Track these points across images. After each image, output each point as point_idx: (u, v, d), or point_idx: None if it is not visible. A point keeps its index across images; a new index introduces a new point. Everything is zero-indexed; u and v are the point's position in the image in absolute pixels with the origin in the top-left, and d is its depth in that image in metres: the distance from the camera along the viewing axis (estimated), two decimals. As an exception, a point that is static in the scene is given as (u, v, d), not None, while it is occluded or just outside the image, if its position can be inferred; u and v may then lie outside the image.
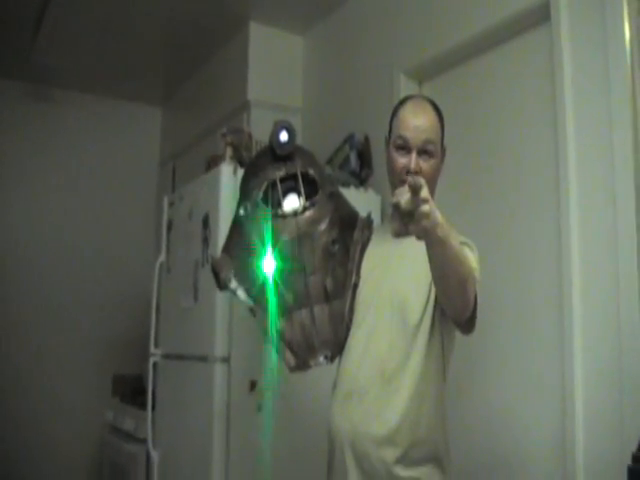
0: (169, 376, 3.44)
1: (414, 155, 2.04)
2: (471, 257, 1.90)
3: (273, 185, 2.15)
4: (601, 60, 2.41)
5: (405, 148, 2.06)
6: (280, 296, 2.07)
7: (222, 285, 2.16)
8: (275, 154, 2.18)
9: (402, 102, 2.18)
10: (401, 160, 2.07)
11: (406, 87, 3.32)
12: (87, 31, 4.29)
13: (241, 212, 2.18)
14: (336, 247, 2.13)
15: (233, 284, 2.12)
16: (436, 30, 3.21)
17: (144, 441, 3.54)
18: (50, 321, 5.03)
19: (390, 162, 2.12)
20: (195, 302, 3.17)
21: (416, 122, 2.06)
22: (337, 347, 2.09)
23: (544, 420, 2.58)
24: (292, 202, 2.14)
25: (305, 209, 2.13)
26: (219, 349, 2.93)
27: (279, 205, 2.13)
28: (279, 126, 2.17)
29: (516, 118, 2.86)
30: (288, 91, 4.32)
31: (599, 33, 2.42)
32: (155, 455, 3.38)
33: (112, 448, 4.42)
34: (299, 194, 2.15)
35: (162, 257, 3.57)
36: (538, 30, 2.74)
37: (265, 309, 2.08)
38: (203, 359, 3.01)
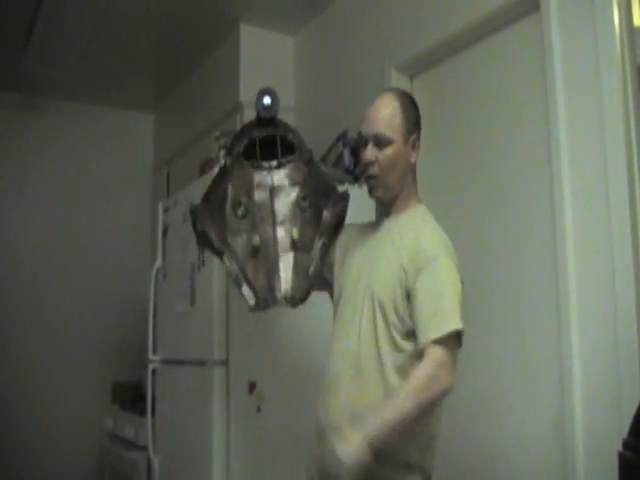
0: (168, 382, 3.42)
1: (369, 146, 2.09)
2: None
3: (254, 143, 2.29)
4: (591, 49, 2.39)
5: (365, 141, 2.11)
6: (247, 238, 2.18)
7: (199, 231, 2.27)
8: (260, 121, 2.32)
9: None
10: (362, 154, 2.12)
11: (398, 82, 3.31)
12: (77, 39, 4.25)
13: (221, 162, 2.33)
14: (306, 202, 2.25)
15: (210, 229, 2.23)
16: (426, 24, 3.19)
17: (145, 448, 3.53)
18: (47, 329, 5.00)
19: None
20: (192, 306, 3.16)
21: (370, 114, 2.12)
22: (301, 294, 2.16)
23: (542, 404, 2.57)
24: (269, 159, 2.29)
25: (280, 165, 2.27)
26: (217, 352, 2.93)
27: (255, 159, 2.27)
28: (263, 91, 2.31)
29: (508, 108, 2.84)
30: (280, 91, 4.21)
31: (589, 21, 2.40)
32: (156, 461, 3.37)
33: (113, 456, 4.40)
34: (276, 152, 2.29)
35: (158, 263, 3.56)
36: (528, 20, 2.72)
37: (233, 250, 2.17)
38: (202, 363, 3.00)
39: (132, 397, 4.63)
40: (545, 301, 2.58)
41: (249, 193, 2.22)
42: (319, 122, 3.96)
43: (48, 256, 5.11)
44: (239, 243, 2.18)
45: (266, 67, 4.30)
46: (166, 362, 3.43)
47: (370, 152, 2.08)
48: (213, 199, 2.28)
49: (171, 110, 5.53)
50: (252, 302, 2.11)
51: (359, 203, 2.37)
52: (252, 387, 2.92)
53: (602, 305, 2.32)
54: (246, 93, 4.20)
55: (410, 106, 2.14)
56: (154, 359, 3.48)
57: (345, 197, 2.34)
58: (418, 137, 2.15)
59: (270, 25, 4.30)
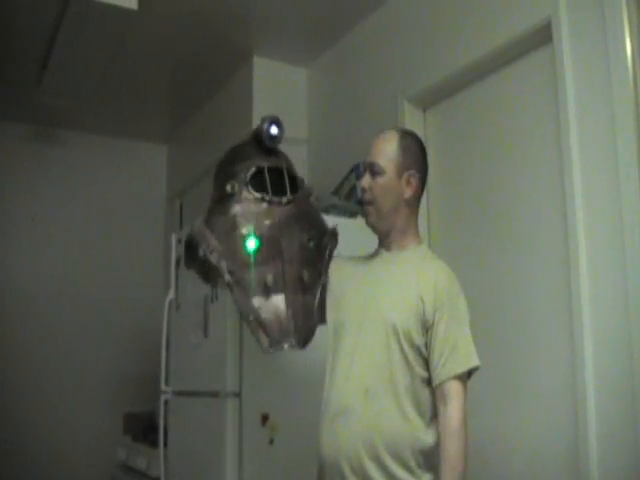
0: (181, 413, 3.40)
1: (366, 174, 2.18)
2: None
3: (259, 172, 2.23)
4: (604, 80, 2.40)
5: (364, 170, 2.21)
6: (259, 276, 2.13)
7: (200, 256, 2.18)
8: (260, 146, 2.28)
9: None
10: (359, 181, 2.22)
11: (411, 114, 3.33)
12: (92, 72, 4.30)
13: (228, 189, 2.22)
14: (311, 244, 2.24)
15: (214, 257, 2.15)
16: (439, 56, 3.21)
17: (157, 479, 3.50)
18: (59, 361, 5.01)
19: None
20: (205, 338, 3.15)
21: (372, 146, 2.19)
22: (309, 336, 2.17)
23: (557, 436, 2.55)
24: (276, 192, 2.23)
25: (289, 202, 2.23)
26: (230, 384, 2.91)
27: (264, 191, 2.21)
28: (269, 120, 2.26)
29: (521, 140, 2.85)
30: (293, 123, 4.29)
31: (601, 53, 2.42)
32: (168, 494, 3.34)
33: (125, 488, 4.37)
34: (283, 187, 2.24)
35: (171, 294, 3.55)
36: (540, 52, 2.75)
37: (243, 286, 2.12)
38: (214, 395, 2.99)
39: (144, 428, 4.61)
40: (559, 332, 2.57)
41: (260, 228, 2.18)
42: (332, 154, 3.97)
43: (61, 287, 5.13)
44: (247, 279, 2.14)
45: (279, 99, 4.33)
46: (179, 393, 3.41)
47: (365, 179, 2.17)
48: (219, 226, 2.21)
49: (185, 142, 5.56)
50: (265, 344, 2.09)
51: (371, 236, 2.34)
52: (265, 419, 2.90)
53: (616, 335, 2.31)
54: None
55: (412, 145, 2.19)
56: (167, 390, 3.46)
57: (336, 235, 2.37)
58: (417, 177, 2.16)
59: (283, 57, 4.34)
